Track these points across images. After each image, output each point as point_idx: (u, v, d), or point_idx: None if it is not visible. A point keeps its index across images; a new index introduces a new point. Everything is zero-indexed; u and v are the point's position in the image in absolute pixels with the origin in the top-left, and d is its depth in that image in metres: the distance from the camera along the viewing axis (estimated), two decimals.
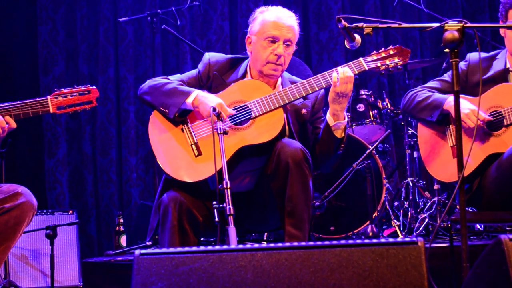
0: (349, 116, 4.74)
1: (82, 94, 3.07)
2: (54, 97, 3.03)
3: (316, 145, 3.19)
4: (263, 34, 3.14)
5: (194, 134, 3.10)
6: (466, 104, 3.11)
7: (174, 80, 3.21)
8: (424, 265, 1.77)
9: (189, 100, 3.05)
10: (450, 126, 3.21)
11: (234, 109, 3.07)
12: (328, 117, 3.11)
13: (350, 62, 3.10)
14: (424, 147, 3.30)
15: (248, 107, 3.09)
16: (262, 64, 3.15)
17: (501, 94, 3.13)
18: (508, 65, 3.22)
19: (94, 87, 3.11)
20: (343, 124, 3.11)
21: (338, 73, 3.02)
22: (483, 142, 3.12)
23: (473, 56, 3.31)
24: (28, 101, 2.98)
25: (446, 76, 3.36)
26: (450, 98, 3.16)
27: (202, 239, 3.23)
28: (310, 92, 3.10)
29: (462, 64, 3.29)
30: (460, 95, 3.16)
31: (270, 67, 3.14)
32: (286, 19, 3.15)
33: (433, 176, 3.28)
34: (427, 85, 3.38)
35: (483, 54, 3.32)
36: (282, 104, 3.07)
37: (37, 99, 3.00)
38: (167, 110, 3.08)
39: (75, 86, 3.10)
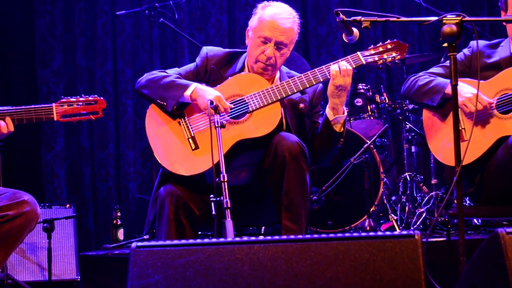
0: (347, 111, 4.74)
1: (89, 104, 2.99)
2: (59, 105, 2.95)
3: (315, 139, 3.18)
4: (257, 33, 3.12)
5: (191, 128, 3.09)
6: (469, 89, 3.07)
7: (171, 73, 3.21)
8: (421, 258, 1.76)
9: (187, 93, 3.04)
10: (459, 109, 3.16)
11: (231, 103, 3.06)
12: (328, 111, 3.10)
13: (348, 56, 3.10)
14: (430, 131, 3.24)
15: (245, 100, 3.08)
16: (253, 61, 3.15)
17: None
18: None
19: (102, 98, 3.03)
20: (342, 118, 3.11)
21: (336, 67, 3.01)
22: (493, 126, 3.07)
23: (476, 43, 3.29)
24: (32, 106, 2.91)
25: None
26: None
27: (199, 233, 3.22)
28: (308, 86, 3.09)
29: (466, 50, 3.26)
30: (465, 79, 3.16)
31: (260, 66, 3.14)
32: (282, 21, 3.09)
33: (440, 161, 3.21)
34: (430, 70, 3.34)
35: (486, 42, 3.29)
36: (279, 98, 3.06)
37: (42, 105, 2.92)
38: (165, 103, 3.07)
39: (82, 95, 3.02)
